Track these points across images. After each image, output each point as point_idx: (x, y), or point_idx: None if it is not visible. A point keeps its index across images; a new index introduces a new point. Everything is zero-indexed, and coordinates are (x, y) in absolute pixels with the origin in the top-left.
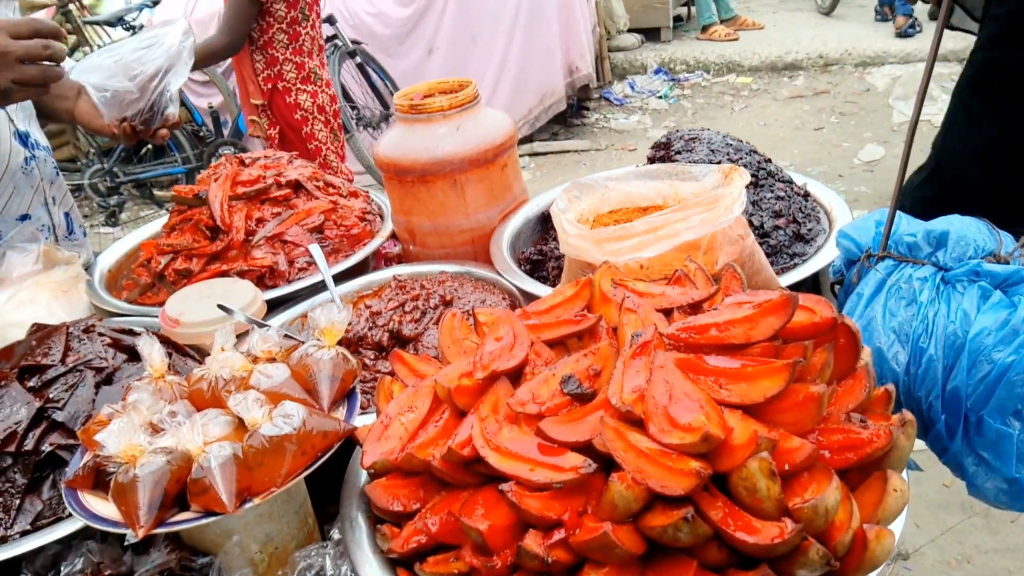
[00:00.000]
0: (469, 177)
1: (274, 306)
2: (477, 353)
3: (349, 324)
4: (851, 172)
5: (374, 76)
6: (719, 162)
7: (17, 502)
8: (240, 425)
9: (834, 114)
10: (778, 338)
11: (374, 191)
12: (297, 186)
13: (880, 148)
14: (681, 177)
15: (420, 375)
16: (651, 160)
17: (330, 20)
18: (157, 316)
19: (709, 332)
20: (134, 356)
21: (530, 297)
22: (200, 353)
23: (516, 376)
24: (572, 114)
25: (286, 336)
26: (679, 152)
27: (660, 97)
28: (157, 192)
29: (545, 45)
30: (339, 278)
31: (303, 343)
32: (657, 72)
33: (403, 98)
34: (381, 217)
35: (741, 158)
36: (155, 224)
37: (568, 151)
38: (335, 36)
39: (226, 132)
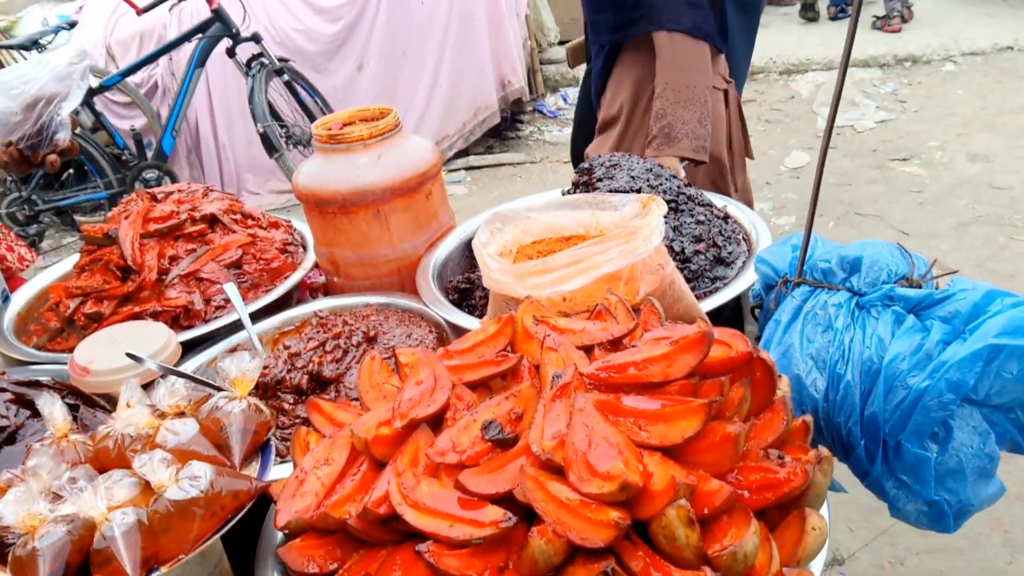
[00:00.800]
0: (393, 207)
1: (190, 347)
2: (396, 399)
3: (266, 367)
4: (778, 179)
5: (303, 93)
6: (639, 189)
7: None
8: (147, 486)
9: (760, 122)
10: (695, 375)
11: (297, 219)
12: (213, 220)
13: (805, 154)
14: (601, 207)
15: (338, 424)
16: (575, 184)
17: (255, 38)
18: (67, 363)
19: (628, 371)
20: (38, 412)
21: (457, 329)
22: (111, 403)
23: (437, 422)
24: (506, 127)
25: (197, 384)
26: (600, 179)
27: None
28: (79, 218)
29: (476, 59)
30: (260, 314)
31: (217, 391)
32: None
33: (321, 127)
34: (304, 248)
35: (661, 184)
36: (66, 263)
37: (504, 164)
38: (260, 55)
39: (150, 155)
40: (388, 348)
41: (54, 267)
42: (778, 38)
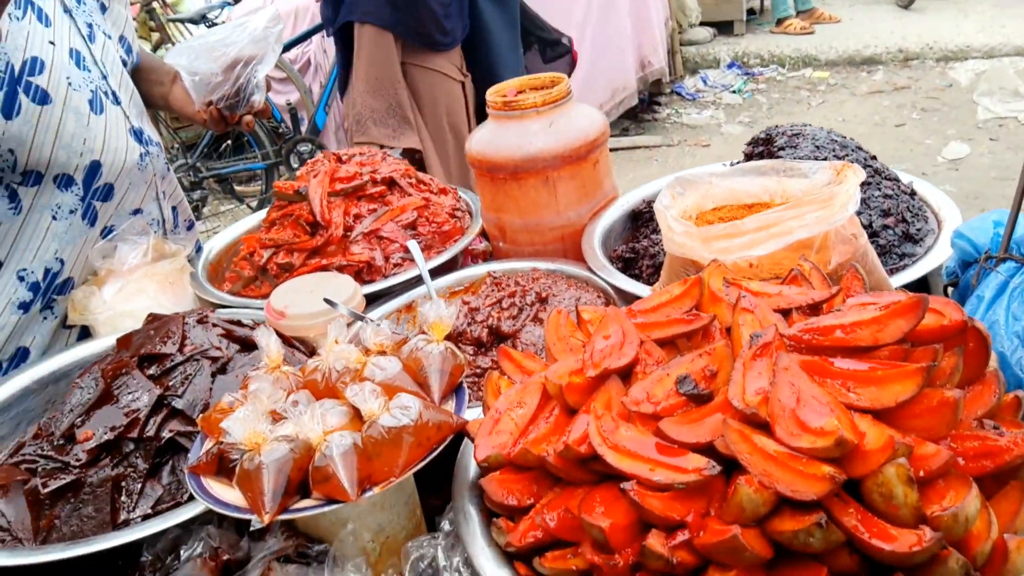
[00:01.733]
0: (561, 174)
1: (370, 300)
2: (586, 350)
3: None
4: (935, 170)
5: None
6: (825, 158)
7: (139, 486)
8: (355, 416)
9: (915, 110)
10: (907, 341)
11: (461, 189)
12: (391, 183)
13: (965, 146)
14: (789, 173)
15: (527, 371)
16: (748, 156)
17: None
18: (260, 308)
19: (834, 334)
20: (245, 347)
21: (624, 295)
22: (304, 345)
23: (626, 375)
24: (643, 109)
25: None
26: (782, 148)
27: (733, 92)
28: (237, 187)
29: (617, 40)
30: (433, 274)
31: (409, 337)
32: (730, 66)
33: (495, 95)
34: (470, 214)
35: (848, 155)
36: (251, 219)
37: (639, 147)
38: None
39: (304, 129)
40: (567, 309)
41: (240, 222)
42: (935, 23)
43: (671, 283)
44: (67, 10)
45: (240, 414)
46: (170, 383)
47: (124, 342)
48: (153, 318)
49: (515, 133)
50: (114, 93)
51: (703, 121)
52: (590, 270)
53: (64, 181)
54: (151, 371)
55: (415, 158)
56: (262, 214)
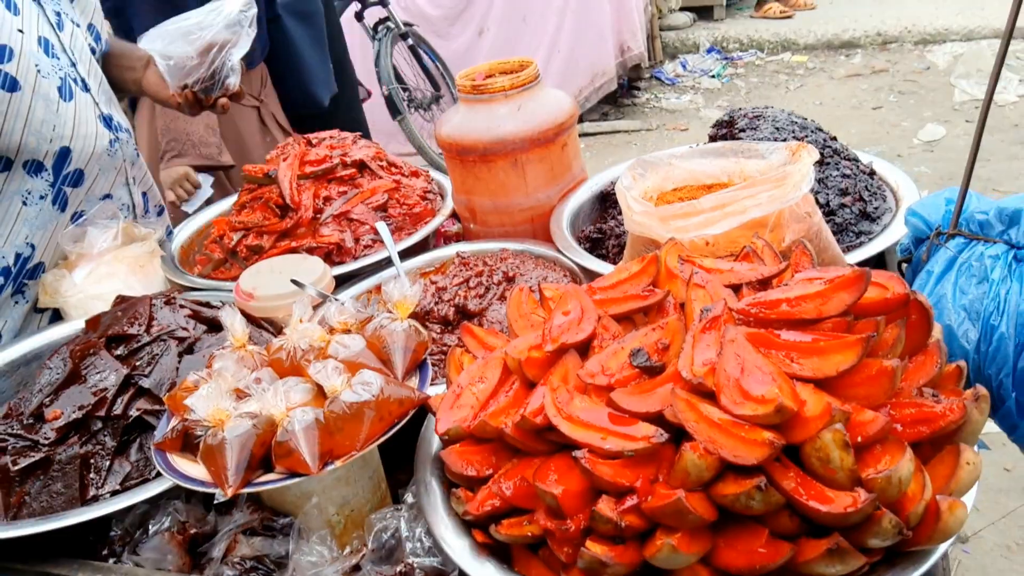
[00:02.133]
0: (530, 157)
1: (340, 282)
2: (546, 326)
3: None
4: (910, 152)
5: (425, 58)
6: (784, 140)
7: (107, 463)
8: (319, 393)
9: (893, 93)
10: (850, 314)
11: (433, 170)
12: (361, 166)
13: (941, 128)
14: (747, 155)
15: (489, 347)
16: (712, 139)
17: (383, 2)
18: (230, 291)
19: (780, 307)
20: (212, 327)
21: (591, 274)
22: (272, 326)
23: (584, 349)
24: (622, 94)
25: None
26: (743, 130)
27: (712, 76)
28: None
29: (596, 24)
30: (403, 255)
31: (374, 316)
32: (709, 51)
33: (465, 78)
34: (441, 196)
35: (807, 136)
36: (222, 203)
37: (619, 131)
38: (387, 18)
39: None
40: (531, 287)
41: (210, 208)
42: (914, 6)
43: (632, 261)
44: None
45: (204, 391)
46: (137, 363)
47: (92, 324)
48: (121, 300)
49: (484, 116)
50: (83, 80)
51: (682, 105)
52: (558, 250)
53: (34, 167)
54: (119, 351)
55: (228, 174)
56: (233, 198)
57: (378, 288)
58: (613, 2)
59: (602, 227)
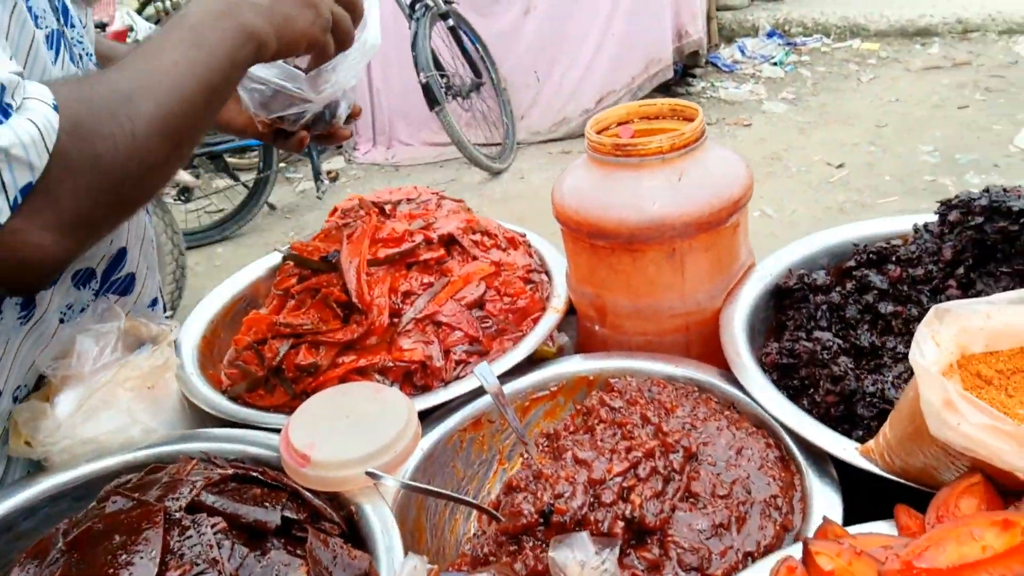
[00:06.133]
0: (692, 245)
1: (423, 416)
2: None
3: (558, 495)
4: (1008, 162)
5: (466, 40)
6: None
7: None
8: None
9: (979, 90)
10: None
11: (448, 174)
12: (450, 241)
13: None
14: None
15: None
16: (948, 222)
17: None
18: (276, 427)
19: None
20: (257, 536)
21: (809, 447)
22: (337, 503)
23: None
24: (676, 82)
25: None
26: None
27: (774, 64)
28: (230, 159)
29: (653, 5)
30: (505, 376)
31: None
32: (770, 35)
33: (600, 131)
34: (547, 275)
35: None
36: (254, 268)
37: None
38: None
39: None
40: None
41: (241, 273)
42: None
43: (929, 470)
44: None
45: None
46: None
47: (38, 551)
48: (110, 494)
49: (629, 188)
50: None
51: (742, 96)
52: (742, 389)
53: (84, 277)
54: None
55: None
56: (269, 261)
57: (476, 424)
58: None
59: (792, 347)
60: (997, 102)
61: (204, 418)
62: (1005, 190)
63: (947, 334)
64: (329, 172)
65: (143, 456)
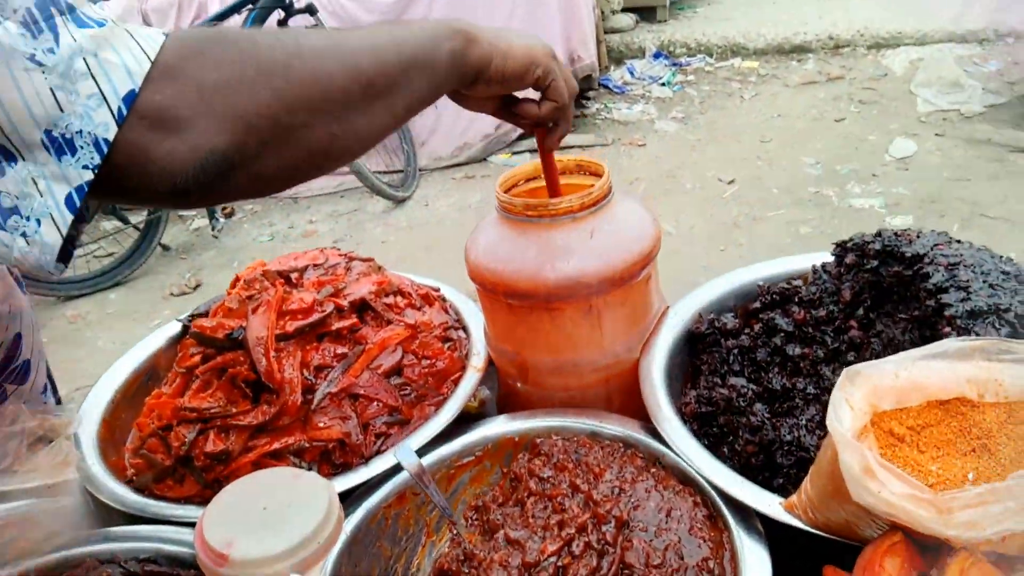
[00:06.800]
0: (608, 300)
1: (344, 497)
2: None
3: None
4: (884, 171)
5: None
6: (1006, 308)
7: None
8: None
9: (853, 102)
10: None
11: (350, 204)
12: (362, 307)
13: (911, 142)
14: (1000, 356)
15: None
16: (844, 264)
17: (310, 9)
18: (189, 521)
19: None
20: None
21: (731, 501)
22: None
23: None
24: None
25: None
26: (943, 289)
27: (662, 84)
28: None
29: (545, 33)
30: (425, 448)
31: None
32: (656, 56)
33: (510, 190)
34: (464, 330)
35: None
36: (154, 338)
37: (572, 146)
38: (316, 26)
39: None
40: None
41: (138, 347)
42: (865, 7)
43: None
44: None
45: None
46: None
47: None
48: None
49: (543, 247)
50: None
51: (635, 117)
52: (661, 440)
53: None
54: None
55: None
56: (168, 331)
57: (400, 498)
58: (562, 8)
59: (710, 395)
60: (871, 114)
61: (111, 512)
62: (896, 234)
63: (859, 395)
64: (224, 208)
65: (45, 563)
